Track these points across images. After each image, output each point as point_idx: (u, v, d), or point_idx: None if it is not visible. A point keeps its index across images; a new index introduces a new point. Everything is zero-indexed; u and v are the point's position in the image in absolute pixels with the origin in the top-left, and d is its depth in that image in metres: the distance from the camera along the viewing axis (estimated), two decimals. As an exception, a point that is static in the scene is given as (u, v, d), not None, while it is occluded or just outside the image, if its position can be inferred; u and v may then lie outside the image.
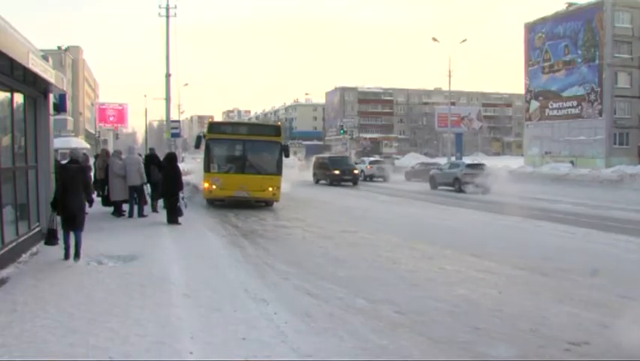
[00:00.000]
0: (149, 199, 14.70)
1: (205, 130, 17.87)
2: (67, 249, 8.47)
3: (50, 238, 8.67)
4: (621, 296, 7.34)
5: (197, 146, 17.66)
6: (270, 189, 16.72)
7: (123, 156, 14.42)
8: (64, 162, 10.27)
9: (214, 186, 16.74)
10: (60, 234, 8.66)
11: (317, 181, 32.62)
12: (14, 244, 8.47)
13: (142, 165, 14.15)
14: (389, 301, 6.85)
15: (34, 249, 9.24)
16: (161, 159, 14.97)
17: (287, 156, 17.43)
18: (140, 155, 16.21)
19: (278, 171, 17.04)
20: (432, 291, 7.47)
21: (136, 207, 13.94)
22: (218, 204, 17.48)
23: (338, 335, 5.55)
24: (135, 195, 13.90)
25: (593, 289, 7.73)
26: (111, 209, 14.21)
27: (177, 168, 13.48)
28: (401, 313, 6.38)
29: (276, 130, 18.02)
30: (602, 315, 6.44)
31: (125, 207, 14.10)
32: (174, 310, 5.97)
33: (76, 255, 8.46)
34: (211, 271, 8.09)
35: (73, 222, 8.45)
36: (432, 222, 15.14)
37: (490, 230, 13.87)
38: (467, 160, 37.51)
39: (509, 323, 6.11)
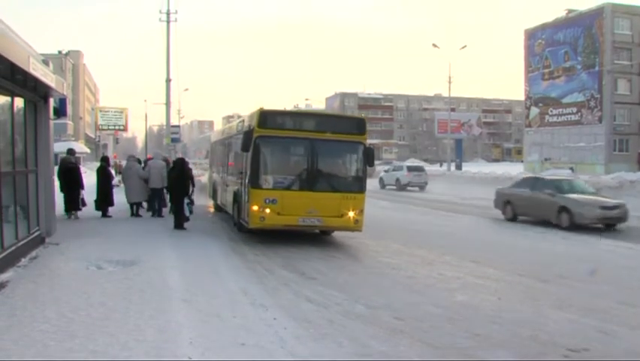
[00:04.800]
0: (168, 203, 15.47)
1: (253, 122, 11.44)
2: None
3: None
4: (620, 303, 7.35)
5: (247, 148, 11.30)
6: (351, 214, 11.22)
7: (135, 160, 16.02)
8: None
9: (267, 210, 10.99)
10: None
11: None
12: (14, 248, 8.46)
13: (165, 170, 15.07)
14: (388, 307, 6.85)
15: (33, 253, 9.22)
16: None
17: (371, 164, 11.85)
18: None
19: (361, 186, 11.64)
20: (431, 297, 7.48)
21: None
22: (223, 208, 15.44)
23: (337, 340, 5.55)
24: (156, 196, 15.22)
25: (592, 295, 7.75)
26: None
27: (185, 173, 13.57)
28: (400, 319, 6.38)
29: (358, 125, 11.91)
30: (602, 321, 6.44)
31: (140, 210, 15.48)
32: (173, 315, 5.96)
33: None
34: (211, 276, 8.08)
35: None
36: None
37: (488, 235, 13.86)
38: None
39: (509, 329, 6.10)
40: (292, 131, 11.40)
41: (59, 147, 32.05)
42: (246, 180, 11.54)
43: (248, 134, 11.30)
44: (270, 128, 11.21)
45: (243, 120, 13.36)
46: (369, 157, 11.52)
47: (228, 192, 14.43)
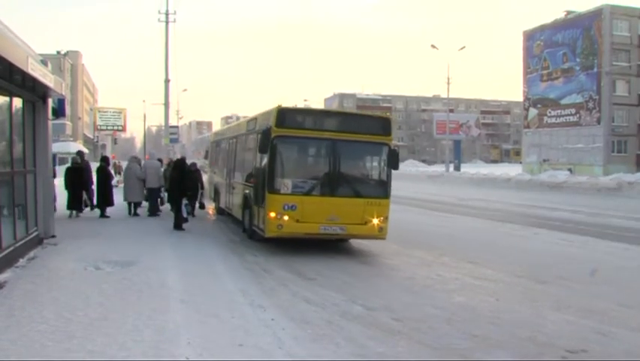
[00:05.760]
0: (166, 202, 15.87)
1: (270, 121, 10.46)
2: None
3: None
4: (619, 304, 7.35)
5: (265, 149, 10.30)
6: (376, 221, 10.44)
7: (142, 162, 16.50)
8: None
9: (286, 218, 10.11)
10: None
11: None
12: (12, 248, 8.45)
13: (161, 170, 15.65)
14: (386, 308, 6.86)
15: (31, 253, 9.22)
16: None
17: (396, 167, 10.96)
18: (160, 160, 18.00)
19: (385, 191, 10.84)
20: (429, 298, 7.48)
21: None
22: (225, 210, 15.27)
23: (335, 341, 5.54)
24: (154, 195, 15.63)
25: (591, 296, 7.74)
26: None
27: (184, 174, 13.56)
28: (399, 320, 6.38)
29: (383, 125, 10.98)
30: (600, 323, 6.45)
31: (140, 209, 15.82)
32: (171, 315, 5.96)
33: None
34: (209, 277, 8.07)
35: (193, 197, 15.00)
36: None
37: (487, 237, 13.86)
38: None
39: (507, 330, 6.11)
40: (313, 131, 10.53)
41: (58, 148, 32.16)
42: (262, 184, 10.65)
43: (265, 134, 10.30)
44: (288, 128, 10.34)
45: (255, 118, 12.56)
46: (394, 160, 10.79)
47: (235, 195, 13.67)
